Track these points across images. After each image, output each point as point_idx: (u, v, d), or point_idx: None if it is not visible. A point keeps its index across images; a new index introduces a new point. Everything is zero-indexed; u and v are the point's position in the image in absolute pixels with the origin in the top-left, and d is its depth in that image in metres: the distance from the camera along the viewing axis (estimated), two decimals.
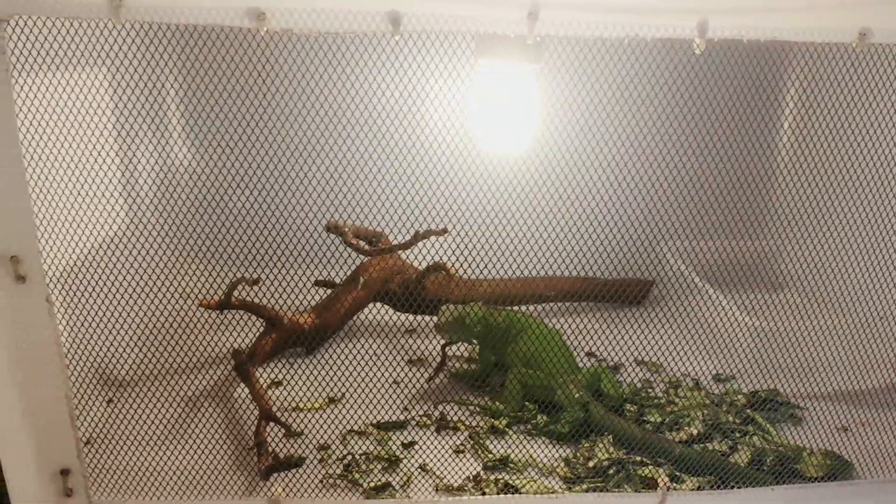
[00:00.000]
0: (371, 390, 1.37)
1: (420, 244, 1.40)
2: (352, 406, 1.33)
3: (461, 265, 1.58)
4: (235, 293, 1.32)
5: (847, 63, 1.50)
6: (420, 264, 1.60)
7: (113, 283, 1.34)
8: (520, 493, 1.07)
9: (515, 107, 1.34)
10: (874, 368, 1.37)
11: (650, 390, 1.41)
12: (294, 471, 1.12)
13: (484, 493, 1.08)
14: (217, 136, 1.65)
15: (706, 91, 1.73)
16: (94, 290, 1.20)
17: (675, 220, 1.76)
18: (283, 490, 0.99)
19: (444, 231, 1.23)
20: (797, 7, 0.79)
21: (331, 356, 1.52)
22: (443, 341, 1.42)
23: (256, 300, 1.40)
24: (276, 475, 1.08)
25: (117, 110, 1.48)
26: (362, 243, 1.40)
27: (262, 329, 1.44)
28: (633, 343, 1.56)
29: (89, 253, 1.28)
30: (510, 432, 1.26)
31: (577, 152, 1.50)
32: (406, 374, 1.46)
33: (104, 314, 1.20)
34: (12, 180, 0.81)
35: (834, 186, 1.55)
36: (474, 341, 1.44)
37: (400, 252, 1.43)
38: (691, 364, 1.48)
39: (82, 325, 1.18)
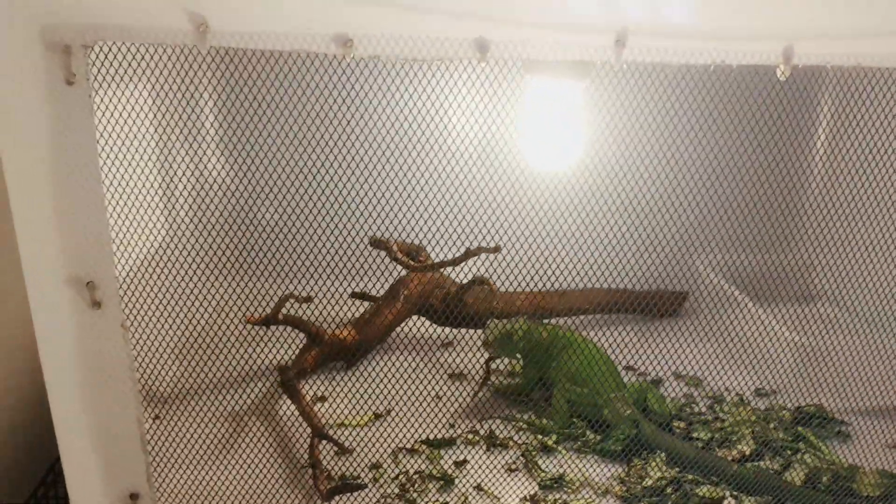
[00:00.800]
0: (416, 406, 1.37)
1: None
2: (397, 422, 1.33)
3: (503, 279, 1.58)
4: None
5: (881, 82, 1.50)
6: (458, 278, 1.60)
7: (155, 299, 1.33)
8: None
9: (563, 123, 1.34)
10: None
11: (693, 406, 1.41)
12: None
13: None
14: (253, 151, 1.65)
15: (742, 106, 1.73)
16: (137, 306, 1.19)
17: (710, 233, 1.77)
18: None
19: (497, 249, 1.23)
20: (884, 32, 0.79)
21: (372, 370, 1.51)
22: (487, 356, 1.42)
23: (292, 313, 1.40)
24: (337, 497, 1.08)
25: (159, 126, 1.47)
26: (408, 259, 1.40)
27: (302, 343, 1.44)
28: (672, 356, 1.56)
29: (133, 269, 1.27)
30: (560, 450, 1.25)
31: (614, 167, 1.50)
32: (448, 389, 1.45)
33: (148, 330, 1.19)
34: (93, 205, 0.81)
35: (867, 200, 1.55)
36: (518, 356, 1.44)
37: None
38: (731, 378, 1.48)
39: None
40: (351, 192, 1.55)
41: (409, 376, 1.49)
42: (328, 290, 1.67)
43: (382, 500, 1.11)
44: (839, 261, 1.69)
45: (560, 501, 1.11)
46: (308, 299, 1.23)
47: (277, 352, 1.50)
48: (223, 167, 1.71)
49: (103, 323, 0.85)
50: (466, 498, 1.13)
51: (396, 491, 1.13)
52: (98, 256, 0.82)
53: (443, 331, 1.66)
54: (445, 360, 1.57)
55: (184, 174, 1.61)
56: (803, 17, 0.79)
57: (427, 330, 1.65)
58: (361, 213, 1.51)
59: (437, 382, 1.48)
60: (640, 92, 1.55)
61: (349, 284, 1.57)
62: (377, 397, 1.41)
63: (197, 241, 1.42)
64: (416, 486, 1.14)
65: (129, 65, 0.87)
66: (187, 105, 1.59)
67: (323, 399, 1.40)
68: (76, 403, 0.88)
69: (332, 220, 1.48)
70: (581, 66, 1.30)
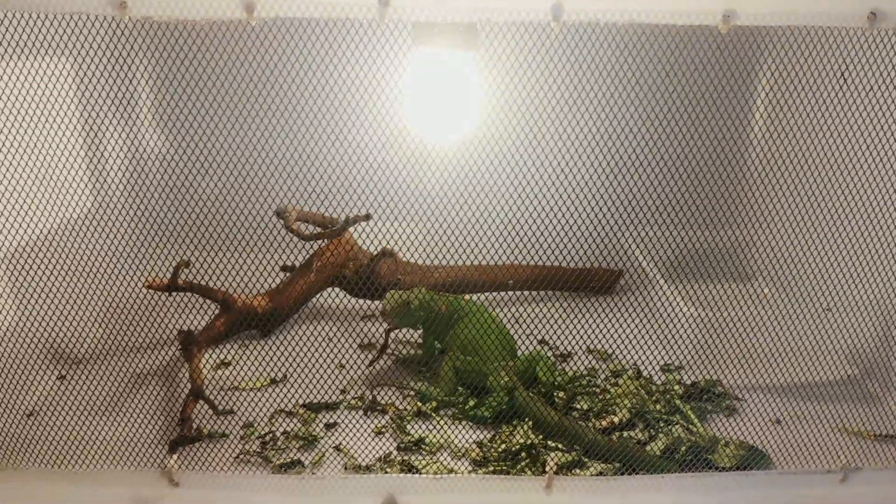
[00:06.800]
0: (313, 372, 1.40)
1: (355, 230, 1.45)
2: (292, 387, 1.36)
3: (418, 251, 1.60)
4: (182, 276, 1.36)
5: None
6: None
7: (75, 263, 1.40)
8: (415, 473, 1.09)
9: (454, 94, 1.35)
10: (820, 361, 1.34)
11: (592, 378, 1.41)
12: (210, 446, 1.16)
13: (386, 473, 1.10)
14: (187, 122, 1.70)
15: (675, 78, 1.71)
16: (52, 268, 1.25)
17: (642, 210, 1.75)
18: (176, 462, 1.03)
19: (368, 216, 1.25)
20: None
21: (284, 339, 1.55)
22: (387, 326, 1.44)
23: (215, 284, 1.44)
24: (182, 448, 1.12)
25: (84, 97, 1.53)
26: (305, 227, 1.43)
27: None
28: (587, 332, 1.56)
29: (48, 233, 1.34)
30: (435, 416, 1.27)
31: (547, 139, 1.50)
32: (354, 358, 1.48)
33: (61, 293, 1.25)
34: None
35: (803, 177, 1.52)
36: (419, 326, 1.46)
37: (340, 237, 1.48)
38: (644, 354, 1.47)
39: (35, 302, 1.24)
40: (259, 162, 1.59)
41: (319, 345, 1.52)
42: (261, 261, 1.72)
43: (242, 456, 1.15)
44: (776, 241, 1.66)
45: (408, 462, 1.13)
46: (186, 264, 1.27)
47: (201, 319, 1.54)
48: (158, 137, 1.76)
49: None
50: (323, 456, 1.16)
51: (257, 448, 1.17)
52: None
53: (364, 303, 1.68)
54: (362, 331, 1.60)
55: (115, 143, 1.67)
56: None
57: (349, 302, 1.68)
58: (273, 186, 1.55)
59: (346, 351, 1.51)
60: (561, 62, 1.54)
61: (282, 256, 1.62)
62: (281, 364, 1.44)
63: (122, 208, 1.47)
64: (279, 444, 1.18)
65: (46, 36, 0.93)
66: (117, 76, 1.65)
67: (227, 364, 1.45)
68: None
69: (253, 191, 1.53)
70: (469, 35, 1.30)
